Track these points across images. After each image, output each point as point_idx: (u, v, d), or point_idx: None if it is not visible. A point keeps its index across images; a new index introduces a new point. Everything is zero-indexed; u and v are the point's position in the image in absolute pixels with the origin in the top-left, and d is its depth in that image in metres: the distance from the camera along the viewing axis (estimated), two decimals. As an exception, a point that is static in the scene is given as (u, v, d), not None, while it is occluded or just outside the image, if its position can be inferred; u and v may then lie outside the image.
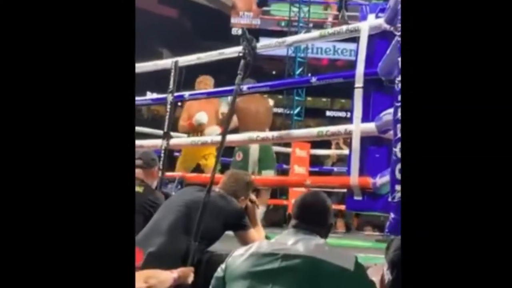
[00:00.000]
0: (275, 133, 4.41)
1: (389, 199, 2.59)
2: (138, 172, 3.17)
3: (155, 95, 7.05)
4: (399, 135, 2.49)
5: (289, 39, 4.60)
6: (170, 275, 2.18)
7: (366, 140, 3.26)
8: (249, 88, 4.28)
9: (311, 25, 14.83)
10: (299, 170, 6.80)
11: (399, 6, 2.64)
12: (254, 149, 5.12)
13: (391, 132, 2.69)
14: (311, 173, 7.22)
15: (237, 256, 1.91)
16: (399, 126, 2.49)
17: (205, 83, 5.56)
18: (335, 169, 8.03)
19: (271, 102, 5.52)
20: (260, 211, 3.72)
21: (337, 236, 5.93)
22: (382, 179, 2.97)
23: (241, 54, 2.76)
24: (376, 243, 5.00)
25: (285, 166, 8.06)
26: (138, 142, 4.59)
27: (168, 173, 4.57)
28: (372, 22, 3.34)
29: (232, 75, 2.75)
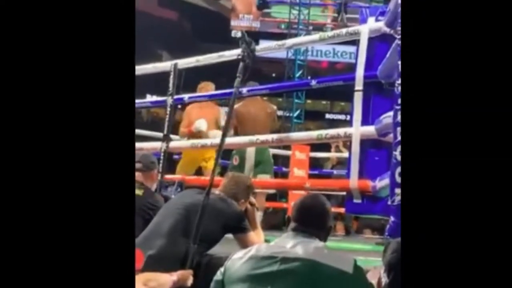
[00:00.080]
0: (275, 136, 4.40)
1: (389, 202, 2.59)
2: (138, 175, 3.16)
3: (154, 98, 7.06)
4: (399, 138, 2.48)
5: (289, 41, 4.60)
6: (169, 278, 2.18)
7: (365, 143, 3.26)
8: (248, 91, 4.28)
9: (311, 27, 14.83)
10: (298, 173, 6.81)
11: (399, 9, 2.64)
12: (250, 153, 5.13)
13: (391, 135, 2.69)
14: (311, 176, 7.23)
15: (236, 259, 1.90)
16: (399, 129, 2.49)
17: (206, 89, 5.57)
18: (335, 172, 8.04)
19: (273, 107, 5.52)
20: (258, 215, 3.71)
21: (337, 239, 5.93)
22: (382, 182, 2.97)
23: (240, 57, 2.76)
24: (376, 246, 4.99)
25: (284, 169, 8.06)
26: (137, 145, 4.59)
27: (168, 176, 4.57)
28: (372, 25, 3.34)
29: (232, 78, 2.75)
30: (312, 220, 1.98)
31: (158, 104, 5.29)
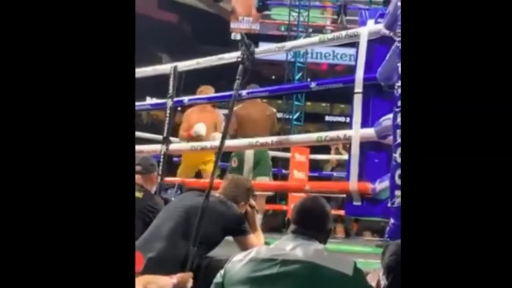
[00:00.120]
0: (275, 138, 4.40)
1: (389, 205, 2.59)
2: (137, 177, 3.16)
3: (154, 100, 7.06)
4: (398, 140, 2.48)
5: (289, 44, 4.61)
6: (169, 281, 2.18)
7: (365, 145, 3.26)
8: (248, 93, 4.28)
9: (310, 29, 14.85)
10: (298, 175, 6.80)
11: (399, 12, 2.64)
12: (249, 155, 5.14)
13: (391, 138, 2.68)
14: (311, 178, 7.22)
15: (236, 262, 1.90)
16: (398, 131, 2.49)
17: (206, 93, 5.57)
18: (335, 174, 8.03)
19: (273, 109, 5.53)
20: (258, 217, 3.71)
21: (337, 242, 5.93)
22: (382, 184, 2.97)
23: (239, 59, 2.76)
24: (376, 248, 4.99)
25: (284, 171, 8.05)
26: (137, 147, 4.59)
27: (168, 178, 4.57)
28: (372, 27, 3.34)
29: (232, 80, 2.75)
30: (312, 222, 1.98)
31: (158, 107, 5.29)
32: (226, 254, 2.23)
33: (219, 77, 5.80)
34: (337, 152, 8.19)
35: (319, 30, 15.60)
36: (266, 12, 17.20)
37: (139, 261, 2.33)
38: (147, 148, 4.75)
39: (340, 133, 3.59)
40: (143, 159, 3.35)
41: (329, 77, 13.13)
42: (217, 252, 2.64)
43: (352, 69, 3.59)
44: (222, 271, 1.93)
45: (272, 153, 6.37)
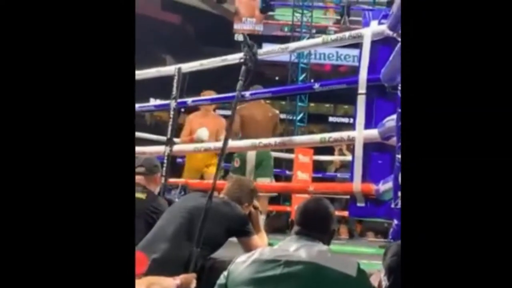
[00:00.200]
0: (278, 139, 4.41)
1: (392, 206, 2.58)
2: (141, 178, 3.16)
3: (158, 102, 7.07)
4: (402, 141, 2.48)
5: (292, 45, 4.61)
6: (172, 282, 2.17)
7: (369, 146, 3.26)
8: (251, 94, 4.28)
9: (314, 30, 14.84)
10: (302, 176, 6.80)
11: (402, 12, 2.64)
12: (251, 156, 5.15)
13: (394, 139, 2.69)
14: (314, 179, 7.22)
15: (239, 263, 1.90)
16: (402, 132, 2.49)
17: None
18: (338, 175, 8.03)
19: (276, 111, 5.53)
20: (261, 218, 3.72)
21: (340, 243, 5.93)
22: (385, 186, 2.97)
23: (242, 60, 2.76)
24: (379, 249, 4.98)
25: (288, 172, 8.05)
26: (141, 149, 4.60)
27: (171, 180, 4.57)
28: (375, 28, 3.35)
29: (236, 81, 2.75)
30: (315, 223, 1.98)
31: (162, 108, 5.29)
32: (230, 255, 2.23)
33: (222, 78, 5.80)
34: (341, 153, 8.19)
35: (323, 30, 15.60)
36: (270, 13, 17.21)
37: (143, 262, 2.33)
38: (150, 149, 4.75)
39: (344, 134, 3.60)
40: (147, 160, 3.35)
41: (332, 78, 13.14)
42: (220, 253, 2.64)
43: (355, 70, 3.59)
44: (225, 272, 1.93)
45: (275, 154, 6.38)
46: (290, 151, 7.18)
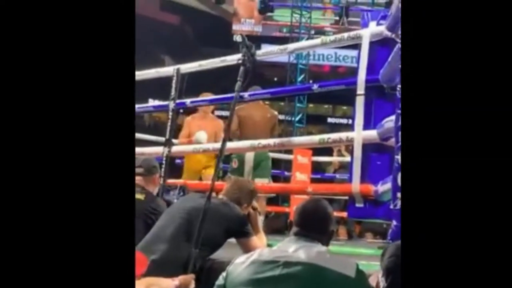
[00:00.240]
0: (277, 140, 4.41)
1: (391, 207, 2.58)
2: (139, 179, 3.16)
3: (157, 102, 7.07)
4: (401, 142, 2.48)
5: (291, 46, 4.61)
6: (171, 283, 2.17)
7: (367, 147, 3.26)
8: (250, 95, 4.28)
9: (312, 31, 14.84)
10: (301, 177, 6.80)
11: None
12: (249, 157, 5.15)
13: (393, 139, 2.68)
14: (313, 180, 7.22)
15: (238, 264, 1.90)
16: (400, 133, 2.49)
17: None
18: (337, 176, 8.04)
19: (275, 112, 5.54)
20: (260, 219, 3.72)
21: (339, 244, 5.93)
22: (384, 186, 2.97)
23: (240, 61, 2.76)
24: (378, 250, 4.96)
25: (286, 173, 8.05)
26: (139, 149, 4.60)
27: (170, 180, 4.57)
28: (374, 29, 3.34)
29: (235, 82, 2.75)
30: (314, 224, 1.98)
31: (160, 109, 5.29)
32: (229, 256, 2.23)
33: (221, 79, 5.80)
34: (340, 154, 8.19)
35: (321, 31, 15.60)
36: (268, 14, 17.21)
37: (142, 263, 2.33)
38: (149, 150, 4.75)
39: (343, 135, 3.59)
40: (145, 161, 3.35)
41: (331, 79, 13.12)
42: (219, 254, 2.64)
43: (354, 71, 3.59)
44: (224, 273, 1.93)
45: (274, 155, 6.38)
46: (289, 152, 7.18)
